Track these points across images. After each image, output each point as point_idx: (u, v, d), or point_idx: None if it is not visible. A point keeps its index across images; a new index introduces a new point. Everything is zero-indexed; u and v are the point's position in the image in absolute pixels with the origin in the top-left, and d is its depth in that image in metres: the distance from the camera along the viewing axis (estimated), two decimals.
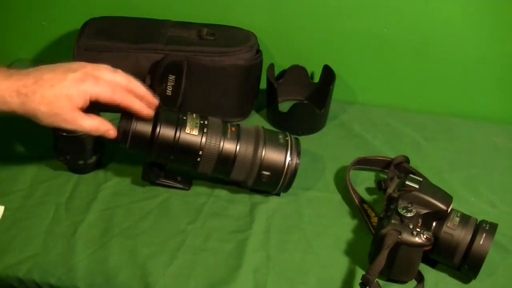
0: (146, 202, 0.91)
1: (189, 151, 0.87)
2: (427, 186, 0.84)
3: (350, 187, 0.94)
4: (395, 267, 0.79)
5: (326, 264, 0.84)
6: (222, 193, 0.94)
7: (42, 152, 0.97)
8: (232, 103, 1.08)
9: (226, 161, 0.88)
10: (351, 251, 0.86)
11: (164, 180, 0.93)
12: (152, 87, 1.02)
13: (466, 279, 0.83)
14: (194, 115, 0.89)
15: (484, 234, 0.79)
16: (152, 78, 1.02)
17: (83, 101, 0.79)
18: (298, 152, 0.90)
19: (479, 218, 0.83)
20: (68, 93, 0.78)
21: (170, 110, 0.92)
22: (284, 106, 1.08)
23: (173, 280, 0.80)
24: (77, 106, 0.79)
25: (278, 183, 0.90)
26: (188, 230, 0.87)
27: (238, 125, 0.92)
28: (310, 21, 1.11)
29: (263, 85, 1.10)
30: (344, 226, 0.90)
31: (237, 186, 0.94)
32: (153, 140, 0.86)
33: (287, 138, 0.91)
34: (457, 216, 0.82)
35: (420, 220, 0.80)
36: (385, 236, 0.77)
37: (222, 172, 0.90)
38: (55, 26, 1.19)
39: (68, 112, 0.79)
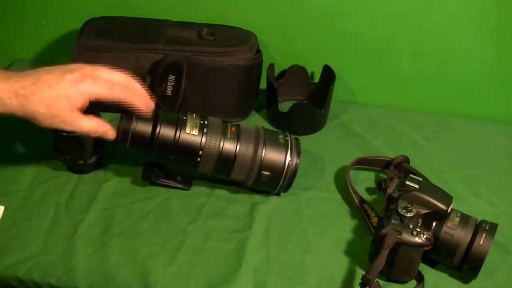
0: (146, 202, 0.91)
1: (189, 151, 0.87)
2: (427, 186, 0.84)
3: (350, 187, 0.94)
4: (395, 267, 0.79)
5: (326, 264, 0.84)
6: (222, 193, 0.94)
7: (42, 152, 0.97)
8: (232, 103, 1.08)
9: (226, 161, 0.88)
10: (351, 251, 0.86)
11: (164, 180, 0.93)
12: (152, 87, 1.02)
13: (466, 279, 0.83)
14: (194, 115, 0.89)
15: (484, 234, 0.79)
16: (152, 78, 1.02)
17: (82, 102, 0.79)
18: (298, 152, 0.90)
19: (479, 218, 0.83)
20: (67, 94, 0.78)
21: (170, 110, 0.92)
22: (284, 106, 1.08)
23: (173, 280, 0.80)
24: (76, 107, 0.79)
25: (278, 183, 0.90)
26: (188, 230, 0.87)
27: (238, 125, 0.92)
28: (310, 21, 1.11)
29: (263, 85, 1.10)
30: (344, 226, 0.90)
31: (237, 186, 0.94)
32: (153, 140, 0.86)
33: (287, 138, 0.91)
34: (457, 216, 0.82)
35: (420, 220, 0.80)
36: (385, 236, 0.77)
37: (222, 172, 0.90)
38: (55, 26, 1.19)
39: (67, 113, 0.79)
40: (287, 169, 0.89)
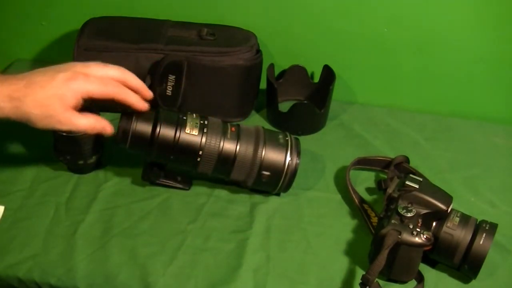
0: (146, 202, 0.91)
1: (189, 151, 0.87)
2: (427, 186, 0.84)
3: (350, 187, 0.94)
4: (395, 267, 0.79)
5: (326, 264, 0.84)
6: (222, 193, 0.94)
7: (42, 152, 0.97)
8: (232, 103, 1.08)
9: (226, 161, 0.88)
10: (351, 251, 0.86)
11: (164, 180, 0.93)
12: (152, 87, 1.02)
13: (466, 279, 0.83)
14: (194, 115, 0.89)
15: (484, 234, 0.79)
16: (152, 78, 1.02)
17: (76, 100, 0.79)
18: (298, 152, 0.90)
19: (479, 218, 0.83)
20: (59, 93, 0.78)
21: (170, 110, 0.92)
22: (284, 106, 1.08)
23: (173, 280, 0.80)
24: (70, 106, 0.78)
25: (278, 183, 0.90)
26: (188, 230, 0.87)
27: (238, 125, 0.92)
28: (310, 21, 1.11)
29: (263, 85, 1.10)
30: (344, 226, 0.90)
31: (237, 186, 0.94)
32: (153, 140, 0.86)
33: (287, 138, 0.91)
34: (457, 216, 0.82)
35: (420, 220, 0.80)
36: (385, 236, 0.77)
37: (222, 172, 0.90)
38: (55, 26, 1.19)
39: (62, 113, 0.78)
40: (287, 169, 0.89)
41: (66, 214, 0.88)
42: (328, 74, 1.09)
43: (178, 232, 0.87)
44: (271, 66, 1.10)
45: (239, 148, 0.88)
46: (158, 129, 0.86)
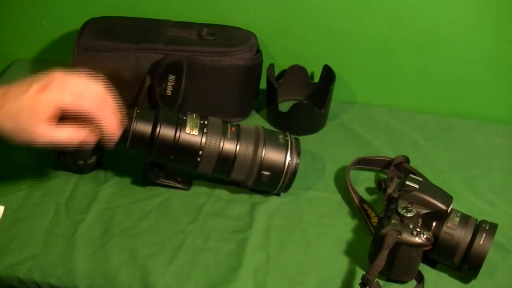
0: (146, 202, 0.91)
1: (189, 151, 0.87)
2: (427, 186, 0.84)
3: (350, 187, 0.94)
4: (395, 267, 0.79)
5: (326, 264, 0.84)
6: (222, 193, 0.94)
7: (42, 152, 0.97)
8: (232, 103, 1.08)
9: (226, 161, 0.88)
10: (351, 251, 0.86)
11: (164, 180, 0.93)
12: (152, 87, 1.02)
13: (466, 279, 0.83)
14: (194, 115, 0.89)
15: (484, 234, 0.79)
16: (152, 78, 1.02)
17: (51, 111, 0.72)
18: (298, 152, 0.90)
19: (479, 218, 0.83)
20: (31, 105, 0.71)
21: (170, 110, 0.92)
22: (284, 106, 1.08)
23: (173, 280, 0.80)
24: (43, 118, 0.72)
25: (278, 183, 0.90)
26: (188, 230, 0.87)
27: (238, 125, 0.92)
28: (310, 21, 1.11)
29: (263, 85, 1.10)
30: (344, 226, 0.90)
31: (237, 186, 0.94)
32: (153, 140, 0.86)
33: (287, 138, 0.91)
34: (457, 216, 0.82)
35: (420, 220, 0.80)
36: (385, 236, 0.77)
37: (222, 172, 0.90)
38: (55, 26, 1.19)
39: (35, 126, 0.72)
40: (287, 169, 0.89)
41: (66, 214, 0.88)
42: (328, 74, 1.09)
43: (178, 232, 0.87)
44: (271, 66, 1.10)
45: (239, 148, 0.88)
46: (158, 129, 0.86)
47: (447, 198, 0.82)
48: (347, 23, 1.10)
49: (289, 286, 0.81)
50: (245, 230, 0.88)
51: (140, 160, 0.92)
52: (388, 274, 0.81)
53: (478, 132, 1.12)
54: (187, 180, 0.94)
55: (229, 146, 0.88)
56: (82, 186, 0.93)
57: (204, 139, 0.87)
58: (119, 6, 1.13)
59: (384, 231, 0.78)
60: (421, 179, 0.84)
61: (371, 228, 0.88)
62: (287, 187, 0.91)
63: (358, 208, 0.92)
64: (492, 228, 0.80)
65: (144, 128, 0.86)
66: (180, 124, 0.87)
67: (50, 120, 0.73)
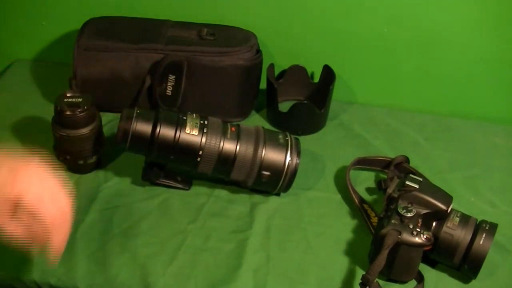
0: (146, 202, 0.91)
1: (189, 151, 0.87)
2: (427, 186, 0.84)
3: (350, 187, 0.94)
4: (395, 267, 0.79)
5: (326, 264, 0.84)
6: (222, 193, 0.94)
7: (42, 152, 0.97)
8: (232, 103, 1.08)
9: (226, 161, 0.88)
10: (351, 251, 0.86)
11: (164, 180, 0.93)
12: (152, 87, 1.02)
13: (466, 279, 0.83)
14: (194, 115, 0.89)
15: (484, 234, 0.79)
16: (152, 78, 1.02)
17: (7, 203, 0.64)
18: (298, 152, 0.90)
19: (479, 218, 0.83)
20: None
21: (170, 110, 0.92)
22: (284, 106, 1.08)
23: (173, 280, 0.80)
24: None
25: (278, 183, 0.90)
26: (188, 230, 0.87)
27: (238, 125, 0.92)
28: (310, 21, 1.11)
29: (263, 85, 1.10)
30: (344, 226, 0.90)
31: (237, 186, 0.94)
32: (153, 140, 0.86)
33: (287, 138, 0.91)
34: (457, 216, 0.82)
35: (420, 220, 0.80)
36: (385, 236, 0.77)
37: (222, 172, 0.90)
38: (55, 26, 1.19)
39: None
40: (287, 169, 0.89)
41: None
42: (328, 74, 1.09)
43: (178, 232, 0.87)
44: (271, 66, 1.10)
45: (239, 148, 0.88)
46: (158, 129, 0.86)
47: (447, 198, 0.82)
48: (347, 23, 1.10)
49: (289, 286, 0.81)
50: (245, 230, 0.88)
51: (140, 160, 0.92)
52: (388, 274, 0.81)
53: (478, 132, 1.12)
54: (187, 180, 0.94)
55: (229, 146, 0.88)
56: (82, 186, 0.93)
57: (204, 139, 0.87)
58: (119, 6, 1.13)
59: (384, 231, 0.78)
60: (421, 179, 0.84)
61: (371, 228, 0.88)
62: (287, 187, 0.91)
63: (358, 208, 0.92)
64: (492, 228, 0.80)
65: (144, 128, 0.86)
66: (180, 124, 0.87)
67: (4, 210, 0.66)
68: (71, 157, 0.92)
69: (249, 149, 0.88)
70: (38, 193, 0.67)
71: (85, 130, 0.90)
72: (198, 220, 0.89)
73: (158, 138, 0.86)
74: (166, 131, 0.86)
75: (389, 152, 1.03)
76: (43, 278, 0.80)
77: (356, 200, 0.93)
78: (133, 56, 1.03)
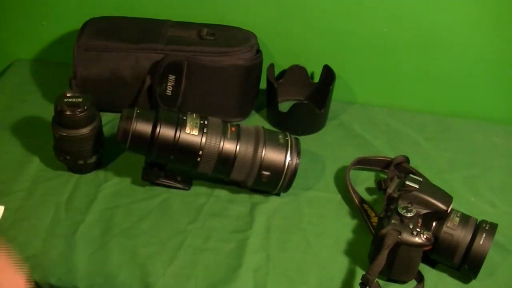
0: (146, 202, 0.91)
1: (189, 151, 0.87)
2: (427, 186, 0.84)
3: (350, 187, 0.94)
4: (395, 267, 0.79)
5: (326, 264, 0.84)
6: (222, 193, 0.94)
7: (42, 152, 0.97)
8: (232, 103, 1.08)
9: (226, 161, 0.88)
10: (351, 251, 0.86)
11: (164, 180, 0.93)
12: (152, 87, 1.02)
13: (466, 279, 0.83)
14: (194, 115, 0.89)
15: (484, 234, 0.79)
16: (152, 78, 1.02)
17: None
18: (298, 152, 0.90)
19: (479, 218, 0.83)
20: None
21: (170, 110, 0.92)
22: (284, 106, 1.08)
23: (173, 280, 0.80)
24: None
25: (278, 183, 0.90)
26: (188, 230, 0.87)
27: (238, 125, 0.92)
28: (310, 21, 1.11)
29: (263, 85, 1.10)
30: (344, 226, 0.90)
31: (237, 186, 0.94)
32: (153, 140, 0.86)
33: (287, 138, 0.91)
34: (457, 216, 0.82)
35: (420, 220, 0.80)
36: (385, 236, 0.77)
37: (222, 172, 0.90)
38: (55, 26, 1.19)
39: None
40: (287, 169, 0.89)
41: (66, 214, 0.88)
42: (328, 74, 1.09)
43: (178, 232, 0.87)
44: (271, 66, 1.10)
45: (239, 148, 0.88)
46: (158, 129, 0.86)
47: (447, 198, 0.82)
48: (347, 23, 1.10)
49: (289, 286, 0.81)
50: (245, 230, 0.88)
51: (140, 160, 0.92)
52: (388, 274, 0.81)
53: (478, 132, 1.12)
54: (187, 180, 0.94)
55: (229, 146, 0.88)
56: (82, 186, 0.93)
57: (204, 139, 0.87)
58: (119, 6, 1.13)
59: (384, 231, 0.78)
60: (421, 179, 0.84)
61: (371, 228, 0.88)
62: (287, 187, 0.91)
63: (358, 208, 0.92)
64: (492, 228, 0.80)
65: (144, 128, 0.86)
66: (180, 124, 0.87)
67: None
68: (71, 157, 0.92)
69: (249, 149, 0.88)
70: None
71: (85, 130, 0.90)
72: (198, 220, 0.89)
73: (158, 138, 0.86)
74: (166, 131, 0.86)
75: (389, 152, 1.03)
76: (43, 278, 0.80)
77: (356, 200, 0.93)
78: (133, 56, 1.03)
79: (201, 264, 0.83)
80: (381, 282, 0.80)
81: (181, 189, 0.94)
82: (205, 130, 0.87)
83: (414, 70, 1.14)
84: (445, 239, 0.80)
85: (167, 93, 1.02)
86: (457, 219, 0.81)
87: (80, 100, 0.89)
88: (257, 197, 0.93)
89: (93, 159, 0.94)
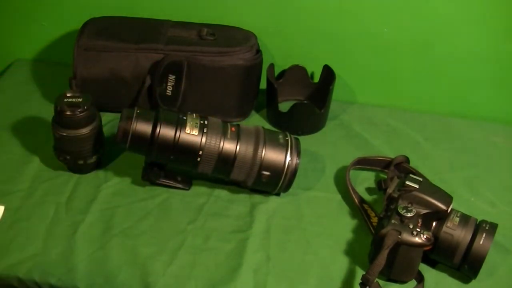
0: (146, 202, 0.91)
1: (189, 151, 0.87)
2: (427, 186, 0.84)
3: (350, 187, 0.94)
4: (395, 267, 0.79)
5: (326, 264, 0.84)
6: (222, 193, 0.94)
7: (42, 152, 0.97)
8: (232, 103, 1.08)
9: (226, 161, 0.88)
10: (351, 251, 0.86)
11: (164, 180, 0.93)
12: (152, 87, 1.02)
13: (466, 279, 0.83)
14: (194, 115, 0.89)
15: (484, 234, 0.79)
16: (152, 78, 1.02)
17: None
18: (298, 152, 0.90)
19: (479, 218, 0.83)
20: None
21: (170, 110, 0.92)
22: (284, 106, 1.08)
23: (173, 280, 0.80)
24: None
25: (278, 183, 0.90)
26: (188, 230, 0.87)
27: (238, 125, 0.92)
28: (310, 21, 1.11)
29: (263, 85, 1.10)
30: (344, 226, 0.90)
31: (237, 186, 0.94)
32: (153, 140, 0.86)
33: (287, 138, 0.91)
34: (457, 216, 0.82)
35: (420, 220, 0.80)
36: (385, 236, 0.77)
37: (222, 172, 0.90)
38: (55, 26, 1.19)
39: None
40: (287, 169, 0.89)
41: (66, 214, 0.88)
42: (328, 74, 1.09)
43: (178, 232, 0.87)
44: (271, 66, 1.10)
45: (239, 148, 0.88)
46: (158, 129, 0.86)
47: (447, 198, 0.82)
48: (347, 23, 1.10)
49: (289, 286, 0.81)
50: (245, 230, 0.88)
51: (140, 160, 0.92)
52: (388, 274, 0.81)
53: (478, 132, 1.12)
54: (187, 180, 0.94)
55: (229, 146, 0.88)
56: (82, 186, 0.93)
57: (204, 139, 0.87)
58: (119, 6, 1.13)
59: (384, 231, 0.78)
60: (421, 179, 0.84)
61: (371, 228, 0.88)
62: (287, 187, 0.91)
63: (358, 208, 0.92)
64: (492, 228, 0.80)
65: (144, 128, 0.86)
66: (180, 124, 0.87)
67: None
68: (71, 157, 0.92)
69: (249, 149, 0.88)
70: None
71: (85, 130, 0.90)
72: (198, 220, 0.89)
73: (158, 138, 0.86)
74: (166, 131, 0.86)
75: (389, 152, 1.03)
76: (43, 278, 0.80)
77: (356, 200, 0.93)
78: (133, 56, 1.03)
79: (201, 264, 0.83)
80: (381, 282, 0.80)
81: (181, 189, 0.94)
82: (205, 130, 0.87)
83: (414, 70, 1.14)
84: (445, 239, 0.80)
85: (167, 93, 1.02)
86: (457, 219, 0.81)
87: (80, 100, 0.89)
88: (257, 197, 0.93)
89: (93, 159, 0.94)
